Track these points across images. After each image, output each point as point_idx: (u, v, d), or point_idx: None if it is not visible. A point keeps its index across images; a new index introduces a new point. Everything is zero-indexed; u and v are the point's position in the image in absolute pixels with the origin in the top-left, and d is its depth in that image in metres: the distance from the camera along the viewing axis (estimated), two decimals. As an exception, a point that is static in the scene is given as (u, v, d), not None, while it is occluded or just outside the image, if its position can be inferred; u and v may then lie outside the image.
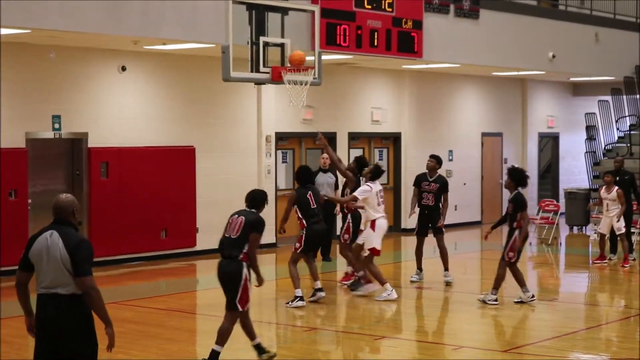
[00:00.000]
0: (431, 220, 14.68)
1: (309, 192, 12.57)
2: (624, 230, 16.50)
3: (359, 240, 13.06)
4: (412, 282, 14.68)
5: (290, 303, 12.51)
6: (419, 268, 14.79)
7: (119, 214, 16.37)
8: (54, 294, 6.65)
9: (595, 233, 18.48)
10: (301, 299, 12.50)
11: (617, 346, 11.15)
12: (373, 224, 12.67)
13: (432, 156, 15.39)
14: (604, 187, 16.82)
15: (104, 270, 15.31)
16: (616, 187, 16.52)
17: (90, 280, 6.58)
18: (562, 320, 12.64)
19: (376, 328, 12.24)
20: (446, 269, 14.76)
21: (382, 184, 21.32)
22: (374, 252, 12.69)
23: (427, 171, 14.62)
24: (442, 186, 14.42)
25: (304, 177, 12.90)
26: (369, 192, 12.58)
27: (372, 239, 12.70)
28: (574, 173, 27.32)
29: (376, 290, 13.05)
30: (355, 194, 12.64)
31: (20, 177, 15.36)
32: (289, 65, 14.53)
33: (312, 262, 12.98)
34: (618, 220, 16.33)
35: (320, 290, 13.07)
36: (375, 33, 17.75)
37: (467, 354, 10.71)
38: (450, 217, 23.10)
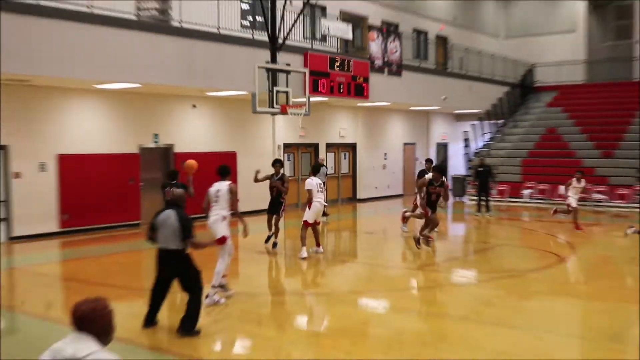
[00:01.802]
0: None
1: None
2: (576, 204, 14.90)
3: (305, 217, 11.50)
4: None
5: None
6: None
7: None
8: (167, 249, 6.81)
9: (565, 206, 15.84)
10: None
11: (489, 266, 11.11)
12: (310, 205, 11.31)
13: (428, 160, 15.06)
14: (574, 179, 14.81)
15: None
16: (583, 181, 14.88)
17: (194, 239, 6.80)
18: (452, 246, 13.53)
19: (337, 256, 12.22)
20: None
21: (344, 173, 20.80)
22: (306, 224, 11.37)
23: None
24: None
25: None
26: (311, 184, 11.34)
27: (307, 215, 11.35)
28: (456, 166, 26.31)
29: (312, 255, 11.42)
30: (306, 184, 11.47)
31: (135, 170, 15.94)
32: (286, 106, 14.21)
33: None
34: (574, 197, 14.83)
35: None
36: (341, 84, 18.12)
37: (395, 270, 11.01)
38: (384, 191, 23.58)
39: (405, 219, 14.21)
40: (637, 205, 18.93)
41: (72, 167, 14.81)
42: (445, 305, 8.56)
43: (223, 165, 9.03)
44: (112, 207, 15.52)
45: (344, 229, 16.40)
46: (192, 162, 10.38)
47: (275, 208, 12.18)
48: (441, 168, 12.25)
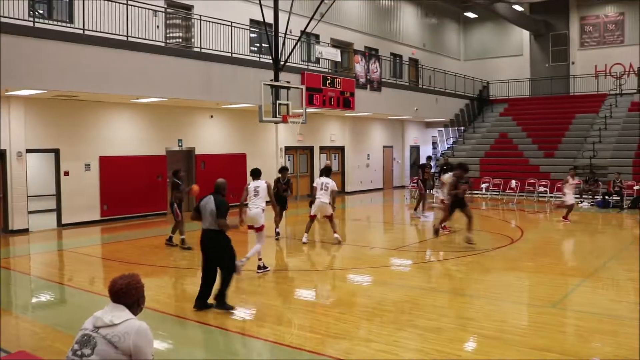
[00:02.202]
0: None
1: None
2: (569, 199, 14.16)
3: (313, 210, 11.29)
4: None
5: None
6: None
7: (208, 188, 12.95)
8: (208, 229, 6.59)
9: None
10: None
11: (453, 246, 10.67)
12: (314, 200, 11.23)
13: (429, 157, 15.50)
14: (569, 177, 14.09)
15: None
16: (577, 177, 14.12)
17: (223, 221, 6.48)
18: (422, 230, 12.73)
19: (329, 239, 11.40)
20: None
21: (334, 171, 20.49)
22: (311, 216, 11.30)
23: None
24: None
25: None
26: (317, 182, 11.35)
27: (312, 209, 11.26)
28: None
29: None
30: (315, 182, 11.47)
31: (163, 169, 15.84)
32: (288, 114, 14.38)
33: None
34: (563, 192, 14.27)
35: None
36: (332, 98, 18.11)
37: (377, 251, 10.67)
38: (367, 185, 23.31)
39: (424, 208, 13.93)
40: (575, 196, 18.63)
41: (111, 166, 14.74)
42: (418, 279, 8.43)
43: (256, 168, 9.04)
44: (144, 200, 15.44)
45: (335, 217, 15.51)
46: (196, 188, 10.11)
47: (282, 203, 12.22)
48: (465, 166, 11.00)
